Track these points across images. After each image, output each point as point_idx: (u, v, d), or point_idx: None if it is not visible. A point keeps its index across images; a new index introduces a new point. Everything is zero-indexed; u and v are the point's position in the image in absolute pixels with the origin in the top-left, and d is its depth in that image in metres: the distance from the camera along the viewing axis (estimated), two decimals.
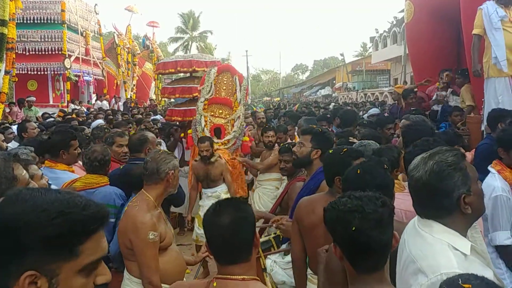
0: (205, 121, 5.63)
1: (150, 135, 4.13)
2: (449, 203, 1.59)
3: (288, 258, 3.16)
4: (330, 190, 2.52)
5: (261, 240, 3.19)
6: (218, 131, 5.67)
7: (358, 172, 2.10)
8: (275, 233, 3.45)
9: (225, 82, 5.69)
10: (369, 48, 46.85)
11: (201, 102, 5.72)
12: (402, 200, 2.42)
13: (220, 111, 5.67)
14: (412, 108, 6.46)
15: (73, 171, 3.77)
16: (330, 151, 2.52)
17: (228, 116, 5.62)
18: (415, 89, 7.74)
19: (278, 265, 3.14)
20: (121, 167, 3.94)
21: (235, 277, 1.63)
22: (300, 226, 2.55)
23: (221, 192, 4.98)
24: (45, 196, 1.01)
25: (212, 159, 4.85)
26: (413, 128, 3.60)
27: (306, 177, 3.59)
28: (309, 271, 2.59)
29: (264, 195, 5.35)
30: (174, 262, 2.76)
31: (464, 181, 1.59)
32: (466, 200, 1.58)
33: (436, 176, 1.60)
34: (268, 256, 3.20)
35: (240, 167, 5.71)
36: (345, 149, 2.56)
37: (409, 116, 4.67)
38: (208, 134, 5.50)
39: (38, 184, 2.62)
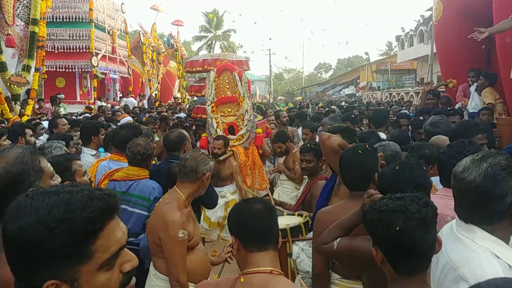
0: (217, 123, 5.68)
1: (186, 133, 4.23)
2: (502, 208, 1.53)
3: None
4: (351, 195, 2.44)
5: (290, 225, 3.16)
6: (232, 129, 5.73)
7: (397, 168, 2.07)
8: (306, 218, 3.36)
9: (226, 81, 5.76)
10: (395, 47, 46.18)
11: (208, 105, 5.80)
12: (433, 202, 2.38)
13: (229, 110, 5.73)
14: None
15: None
16: (360, 151, 2.41)
17: (237, 112, 5.66)
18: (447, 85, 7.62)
19: (305, 254, 3.09)
20: (157, 164, 4.04)
21: (263, 269, 1.64)
22: None
23: (228, 192, 5.00)
24: (44, 203, 0.97)
25: (222, 158, 4.91)
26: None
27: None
28: (335, 275, 2.52)
29: (284, 194, 5.35)
30: (200, 261, 2.79)
31: None
32: None
33: (490, 180, 1.54)
34: (296, 242, 3.14)
35: (258, 159, 5.73)
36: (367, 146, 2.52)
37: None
38: (222, 134, 5.57)
39: (81, 181, 2.70)
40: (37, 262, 0.95)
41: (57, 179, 1.80)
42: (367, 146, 2.48)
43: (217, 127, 5.66)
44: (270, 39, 56.81)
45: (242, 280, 1.65)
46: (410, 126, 5.76)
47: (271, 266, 1.66)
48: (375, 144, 3.49)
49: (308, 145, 4.04)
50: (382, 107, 11.58)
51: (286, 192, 5.38)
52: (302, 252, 3.08)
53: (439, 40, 8.71)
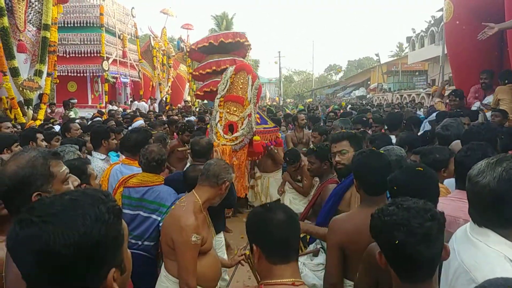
0: (220, 117, 5.66)
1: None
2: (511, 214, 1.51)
3: (317, 260, 3.12)
4: (367, 200, 2.41)
5: None
6: (231, 128, 5.72)
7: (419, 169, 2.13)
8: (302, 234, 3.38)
9: (241, 81, 5.75)
10: (406, 48, 45.87)
11: (217, 98, 5.81)
12: (445, 205, 2.32)
13: (234, 109, 5.72)
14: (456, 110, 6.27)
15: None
16: (377, 155, 2.41)
17: (240, 114, 5.64)
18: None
19: (307, 268, 3.09)
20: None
21: (285, 280, 1.62)
22: (348, 251, 2.38)
23: None
24: (86, 204, 1.04)
25: (180, 149, 5.04)
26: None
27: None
28: (349, 282, 2.49)
29: (295, 199, 5.32)
30: (212, 266, 2.79)
31: None
32: None
33: (505, 184, 1.52)
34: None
35: (244, 164, 5.66)
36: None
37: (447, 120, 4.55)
38: (221, 130, 5.54)
39: (93, 184, 2.74)
40: (103, 259, 1.03)
41: (75, 182, 1.82)
42: (373, 148, 2.47)
43: (218, 121, 5.65)
44: (279, 52, 56.27)
45: None
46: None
47: (292, 277, 1.63)
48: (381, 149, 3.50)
49: (313, 147, 4.07)
50: (396, 110, 11.44)
51: (298, 197, 5.34)
52: (304, 267, 3.07)
53: (450, 41, 8.65)
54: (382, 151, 2.52)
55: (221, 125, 5.60)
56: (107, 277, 1.05)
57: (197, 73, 6.58)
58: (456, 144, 3.56)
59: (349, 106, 20.88)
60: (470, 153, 2.43)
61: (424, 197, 2.01)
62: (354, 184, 2.60)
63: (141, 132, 4.21)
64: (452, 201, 2.32)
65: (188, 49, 6.47)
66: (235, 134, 5.48)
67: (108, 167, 4.09)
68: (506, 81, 6.27)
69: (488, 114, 6.01)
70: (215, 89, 6.41)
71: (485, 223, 1.58)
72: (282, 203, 5.13)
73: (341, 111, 11.90)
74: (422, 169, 2.20)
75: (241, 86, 5.71)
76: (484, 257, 1.51)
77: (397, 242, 1.41)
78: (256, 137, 5.57)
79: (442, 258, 1.48)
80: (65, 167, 1.77)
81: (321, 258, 3.07)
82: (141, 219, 3.31)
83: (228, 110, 5.71)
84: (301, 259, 3.13)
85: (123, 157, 4.23)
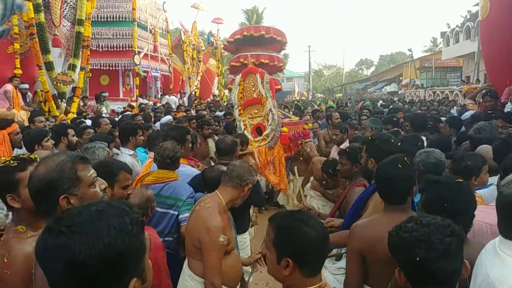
0: (245, 125, 5.69)
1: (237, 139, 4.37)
2: None
3: (339, 263, 3.10)
4: (388, 208, 2.37)
5: None
6: (259, 130, 5.73)
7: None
8: None
9: (252, 84, 5.77)
10: (440, 43, 44.72)
11: (235, 109, 5.84)
12: (487, 214, 2.27)
13: (256, 111, 5.74)
14: (489, 111, 6.05)
15: (186, 163, 4.05)
16: (399, 165, 2.34)
17: (262, 113, 5.66)
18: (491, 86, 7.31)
19: (328, 271, 3.07)
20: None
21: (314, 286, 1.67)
22: (368, 258, 2.36)
23: None
24: (111, 214, 1.09)
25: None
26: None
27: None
28: None
29: (325, 206, 5.17)
30: (235, 266, 2.84)
31: None
32: None
33: None
34: None
35: (283, 159, 5.65)
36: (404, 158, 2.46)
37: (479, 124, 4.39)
38: (250, 136, 5.56)
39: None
40: (126, 269, 1.07)
41: (102, 185, 1.87)
42: (405, 158, 2.41)
43: (244, 129, 5.68)
44: (309, 46, 55.81)
45: None
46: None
47: (319, 282, 1.69)
48: (418, 151, 3.43)
49: (345, 148, 4.02)
50: (418, 111, 10.88)
51: (328, 204, 5.19)
52: (325, 270, 3.05)
53: (485, 39, 8.38)
54: (401, 162, 2.41)
55: (248, 132, 5.64)
56: (128, 286, 1.08)
57: (235, 63, 6.66)
58: (482, 148, 3.44)
59: (380, 102, 20.49)
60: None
61: (470, 210, 2.02)
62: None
63: (179, 130, 4.30)
64: (493, 209, 2.27)
65: (227, 42, 6.54)
66: (265, 132, 5.51)
67: (147, 163, 4.16)
68: None
69: None
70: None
71: (510, 235, 1.54)
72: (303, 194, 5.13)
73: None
74: (461, 181, 2.16)
75: (253, 88, 5.74)
76: (509, 271, 1.48)
77: (418, 259, 1.40)
78: (284, 128, 5.60)
79: (462, 275, 1.46)
80: (93, 171, 1.82)
81: (343, 262, 3.05)
82: (159, 215, 3.36)
83: (250, 116, 5.75)
84: None
85: (151, 153, 4.30)
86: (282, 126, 5.62)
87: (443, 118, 7.23)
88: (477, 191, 2.83)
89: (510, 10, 7.23)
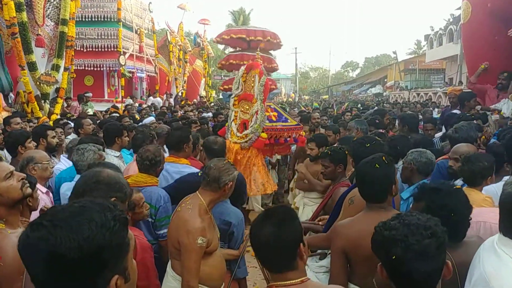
0: (235, 116, 5.66)
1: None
2: None
3: (321, 262, 3.12)
4: (369, 207, 2.42)
5: None
6: (245, 127, 5.69)
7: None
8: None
9: (252, 79, 5.71)
10: (424, 46, 45.26)
11: (232, 98, 5.82)
12: (494, 214, 2.33)
13: (247, 107, 5.69)
14: (468, 114, 6.17)
15: (189, 164, 4.03)
16: (376, 165, 2.38)
17: (250, 111, 5.60)
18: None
19: (309, 269, 3.09)
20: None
21: (294, 281, 1.68)
22: (352, 256, 2.40)
23: None
24: (94, 211, 1.11)
25: None
26: None
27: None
28: (353, 286, 2.49)
29: (310, 206, 5.18)
30: (218, 266, 2.83)
31: None
32: None
33: None
34: None
35: (253, 161, 5.55)
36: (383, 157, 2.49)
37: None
38: (235, 129, 5.53)
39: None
40: (106, 264, 1.07)
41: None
42: (383, 158, 2.44)
43: (233, 120, 5.65)
44: (295, 48, 56.16)
45: None
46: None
47: (300, 277, 1.71)
48: (410, 151, 3.51)
49: (326, 151, 4.03)
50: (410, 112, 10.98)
51: (313, 200, 5.19)
52: (307, 268, 3.06)
53: (467, 42, 8.55)
54: (379, 161, 2.45)
55: (235, 124, 5.61)
56: (110, 283, 1.09)
57: (226, 62, 6.57)
58: (459, 147, 3.51)
59: (359, 105, 19.90)
60: None
61: (469, 216, 2.07)
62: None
63: (184, 129, 4.29)
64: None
65: (226, 36, 6.43)
66: (245, 132, 5.47)
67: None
68: None
69: (496, 116, 5.94)
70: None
71: (510, 233, 1.56)
72: (295, 206, 5.10)
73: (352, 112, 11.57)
74: (459, 187, 2.23)
75: (252, 84, 5.70)
76: (505, 268, 1.50)
77: (394, 257, 1.42)
78: (263, 134, 5.50)
79: (443, 276, 1.48)
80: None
81: (325, 261, 3.08)
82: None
83: (242, 109, 5.70)
84: None
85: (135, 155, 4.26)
86: (263, 132, 5.51)
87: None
88: (485, 189, 2.89)
89: (491, 14, 7.37)
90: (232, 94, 6.00)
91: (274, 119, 5.81)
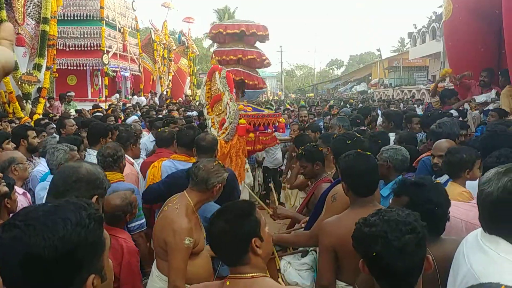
0: (212, 122, 5.64)
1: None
2: None
3: (304, 259, 3.14)
4: (356, 202, 2.45)
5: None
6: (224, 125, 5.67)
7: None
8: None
9: (217, 81, 5.70)
10: (407, 43, 45.72)
11: (204, 108, 5.83)
12: (467, 211, 2.35)
13: (220, 107, 5.68)
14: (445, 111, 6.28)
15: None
16: (367, 158, 2.43)
17: (222, 107, 5.60)
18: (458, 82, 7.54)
19: (292, 266, 3.10)
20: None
21: (244, 275, 1.72)
22: (340, 253, 2.41)
23: None
24: (68, 210, 1.10)
25: None
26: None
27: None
28: (340, 283, 2.51)
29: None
30: (204, 266, 2.83)
31: None
32: None
33: (508, 195, 1.51)
34: (283, 257, 3.16)
35: (242, 151, 5.55)
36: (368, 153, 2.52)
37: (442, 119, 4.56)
38: (215, 133, 5.50)
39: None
40: (82, 263, 1.07)
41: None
42: (367, 153, 2.47)
43: (211, 126, 5.64)
44: (281, 46, 56.10)
45: (228, 283, 1.74)
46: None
47: (252, 273, 1.74)
48: (385, 148, 3.55)
49: (301, 152, 4.04)
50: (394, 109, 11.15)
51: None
52: (289, 265, 3.08)
53: (449, 39, 8.66)
54: (369, 153, 2.49)
55: (215, 129, 5.58)
56: (86, 282, 1.08)
57: (219, 57, 6.39)
58: (440, 142, 3.56)
59: (342, 103, 19.76)
60: (503, 160, 2.44)
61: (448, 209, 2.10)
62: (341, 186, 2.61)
63: (196, 129, 4.30)
64: (473, 207, 2.32)
65: (214, 31, 6.24)
66: (224, 126, 5.43)
67: (155, 163, 4.06)
68: (503, 79, 6.28)
69: (476, 112, 6.04)
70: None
71: (494, 231, 1.58)
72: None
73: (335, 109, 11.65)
74: (439, 182, 2.26)
75: (215, 84, 5.69)
76: (494, 265, 1.51)
77: (374, 254, 1.44)
78: (242, 120, 5.46)
79: (425, 269, 1.50)
80: None
81: (307, 258, 3.09)
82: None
83: (217, 113, 5.69)
84: (288, 258, 3.15)
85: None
86: (240, 118, 5.50)
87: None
88: (468, 184, 2.91)
89: (471, 11, 7.48)
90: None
91: (249, 110, 5.79)
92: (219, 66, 5.66)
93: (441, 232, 2.13)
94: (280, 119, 5.97)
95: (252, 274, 1.72)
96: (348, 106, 14.67)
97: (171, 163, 3.96)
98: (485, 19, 7.27)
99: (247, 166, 6.88)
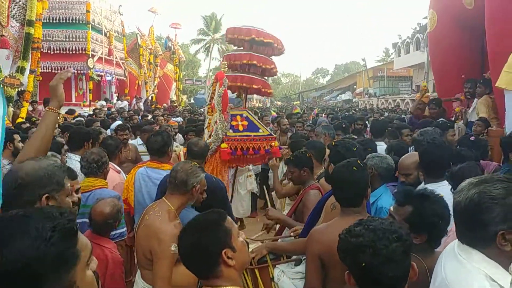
0: (208, 123, 5.61)
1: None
2: (484, 236, 1.50)
3: (298, 268, 3.11)
4: (344, 211, 2.44)
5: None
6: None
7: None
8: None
9: (214, 90, 5.68)
10: (392, 54, 46.35)
11: (206, 105, 5.78)
12: None
13: (214, 117, 5.67)
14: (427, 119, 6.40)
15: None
16: (354, 167, 2.39)
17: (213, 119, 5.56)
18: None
19: (286, 275, 3.09)
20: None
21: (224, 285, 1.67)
22: (327, 262, 2.39)
23: None
24: (30, 223, 1.06)
25: None
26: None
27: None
28: None
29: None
30: (188, 273, 2.76)
31: (506, 217, 1.46)
32: (507, 237, 1.45)
33: (474, 207, 1.51)
34: (277, 266, 3.15)
35: (218, 169, 5.53)
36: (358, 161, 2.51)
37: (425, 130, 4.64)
38: (207, 136, 5.46)
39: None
40: (41, 278, 1.02)
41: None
42: (358, 161, 2.46)
43: (206, 127, 5.60)
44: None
45: None
46: None
47: (224, 285, 1.67)
48: (371, 155, 3.56)
49: (290, 157, 4.04)
50: (382, 118, 11.22)
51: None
52: (282, 274, 3.07)
53: (433, 50, 8.79)
54: (356, 165, 2.48)
55: (208, 131, 5.54)
56: None
57: (228, 62, 6.20)
58: (403, 161, 3.51)
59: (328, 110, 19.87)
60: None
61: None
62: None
63: (165, 134, 4.13)
64: None
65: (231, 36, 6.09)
66: (209, 141, 5.38)
67: (132, 170, 3.98)
68: (488, 90, 6.37)
69: (461, 124, 6.14)
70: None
71: (466, 241, 1.59)
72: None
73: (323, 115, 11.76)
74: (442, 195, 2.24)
75: (213, 95, 5.66)
76: (465, 274, 1.53)
77: (363, 264, 1.43)
78: (223, 144, 5.38)
79: (410, 278, 1.50)
80: (69, 183, 1.96)
81: (301, 267, 3.07)
82: (83, 226, 3.11)
83: (212, 118, 5.67)
84: (281, 267, 3.12)
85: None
86: (222, 142, 5.38)
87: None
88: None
89: (456, 23, 7.61)
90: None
91: (241, 128, 5.63)
92: (224, 72, 5.57)
93: (438, 244, 2.12)
94: (273, 143, 5.69)
95: (225, 286, 1.65)
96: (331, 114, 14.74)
97: (144, 170, 3.89)
98: (469, 29, 7.41)
99: (251, 173, 6.89)
